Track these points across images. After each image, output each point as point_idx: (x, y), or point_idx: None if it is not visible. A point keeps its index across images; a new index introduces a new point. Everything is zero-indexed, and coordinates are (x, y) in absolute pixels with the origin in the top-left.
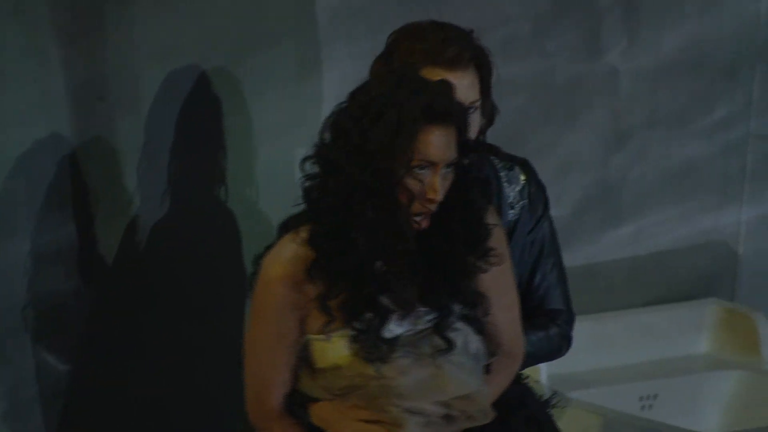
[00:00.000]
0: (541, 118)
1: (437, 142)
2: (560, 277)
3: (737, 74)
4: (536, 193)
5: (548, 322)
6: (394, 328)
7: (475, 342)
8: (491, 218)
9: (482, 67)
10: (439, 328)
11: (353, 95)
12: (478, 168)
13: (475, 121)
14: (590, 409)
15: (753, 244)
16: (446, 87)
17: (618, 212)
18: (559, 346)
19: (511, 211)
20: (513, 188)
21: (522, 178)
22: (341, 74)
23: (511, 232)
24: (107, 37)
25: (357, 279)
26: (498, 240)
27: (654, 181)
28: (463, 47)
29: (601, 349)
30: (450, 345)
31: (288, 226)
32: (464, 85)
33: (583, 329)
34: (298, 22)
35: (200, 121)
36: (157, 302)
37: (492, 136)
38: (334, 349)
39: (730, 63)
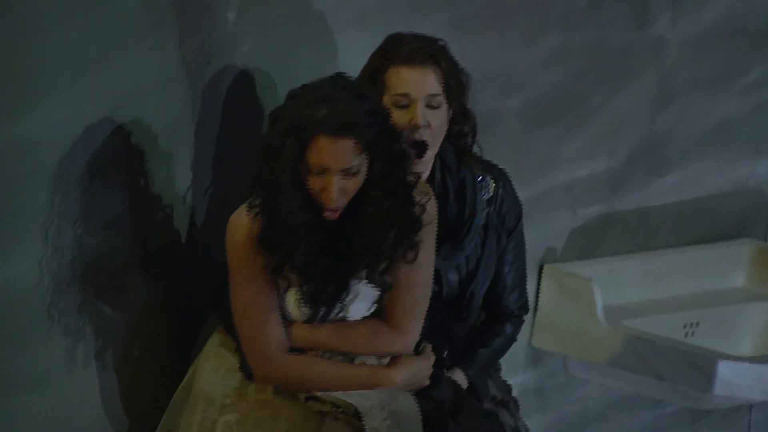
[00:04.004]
0: (596, 81)
1: (329, 151)
2: (518, 279)
3: None
4: (510, 205)
5: (503, 327)
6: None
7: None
8: (425, 215)
9: (443, 65)
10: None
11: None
12: (456, 170)
13: (443, 113)
14: (641, 335)
15: None
16: (345, 104)
17: (664, 163)
18: (512, 340)
19: (482, 214)
20: (483, 195)
21: (492, 187)
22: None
23: (485, 233)
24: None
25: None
26: (426, 234)
27: (696, 136)
28: (420, 46)
29: (649, 283)
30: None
31: (247, 195)
32: (424, 79)
33: (634, 266)
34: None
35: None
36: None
37: (551, 98)
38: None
39: (764, 30)
